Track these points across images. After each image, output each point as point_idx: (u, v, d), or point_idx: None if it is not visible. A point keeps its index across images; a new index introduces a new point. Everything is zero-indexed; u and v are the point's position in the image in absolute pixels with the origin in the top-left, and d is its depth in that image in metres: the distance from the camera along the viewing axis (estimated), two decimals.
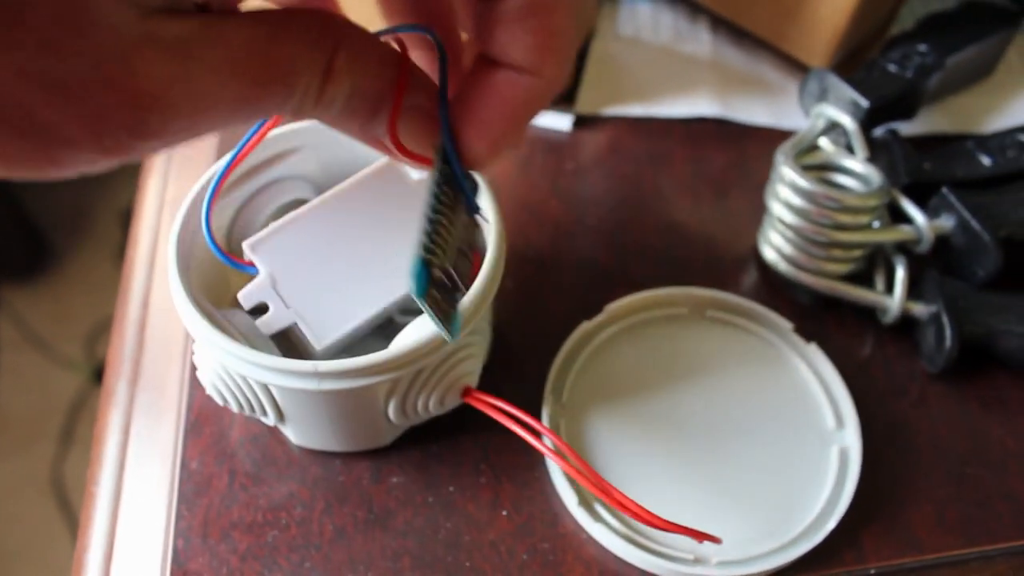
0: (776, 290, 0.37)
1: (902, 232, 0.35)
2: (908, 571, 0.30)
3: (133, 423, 0.33)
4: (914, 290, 0.35)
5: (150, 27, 0.17)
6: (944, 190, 0.36)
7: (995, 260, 0.34)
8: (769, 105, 0.44)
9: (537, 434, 0.27)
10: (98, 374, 1.13)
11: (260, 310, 0.28)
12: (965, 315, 0.33)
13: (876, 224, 0.36)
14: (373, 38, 0.21)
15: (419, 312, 0.28)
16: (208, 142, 0.41)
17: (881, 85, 0.38)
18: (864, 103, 0.37)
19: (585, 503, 0.30)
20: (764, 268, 0.38)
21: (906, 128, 0.42)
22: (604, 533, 0.29)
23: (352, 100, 0.21)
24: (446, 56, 0.23)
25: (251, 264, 0.28)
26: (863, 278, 0.36)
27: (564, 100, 0.43)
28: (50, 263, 1.25)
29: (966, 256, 0.35)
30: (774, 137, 0.41)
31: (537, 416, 0.28)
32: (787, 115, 0.43)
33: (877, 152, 0.38)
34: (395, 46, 0.23)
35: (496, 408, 0.28)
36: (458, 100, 0.23)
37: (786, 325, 0.35)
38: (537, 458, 0.31)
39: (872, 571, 0.30)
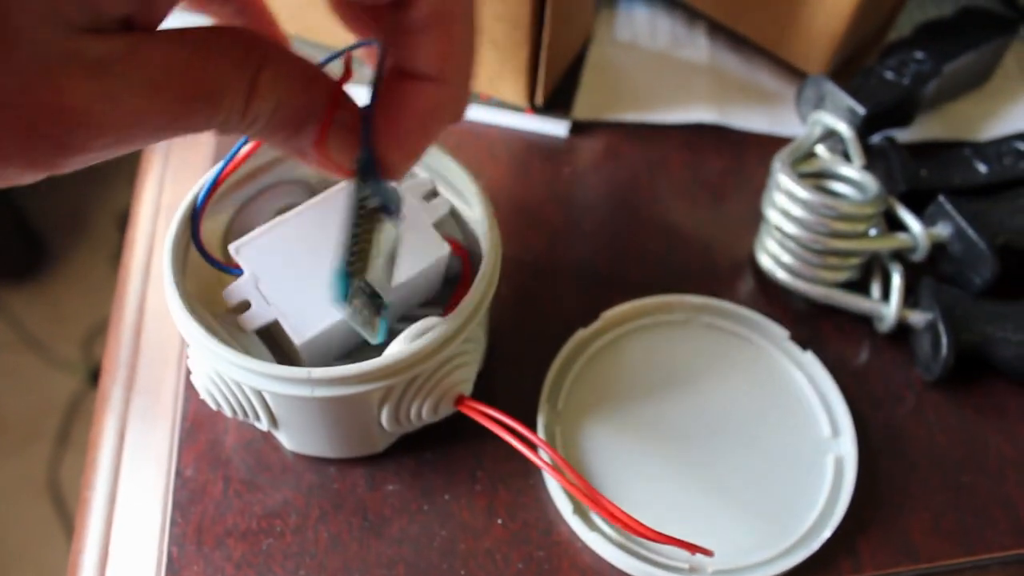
0: (772, 297, 0.37)
1: (898, 240, 0.35)
2: None
3: (128, 428, 0.33)
4: (910, 298, 0.35)
5: (74, 45, 0.17)
6: (940, 198, 0.36)
7: (991, 268, 0.34)
8: (766, 112, 0.44)
9: (529, 443, 0.27)
10: (94, 376, 1.13)
11: (245, 308, 0.28)
12: (961, 323, 0.33)
13: (872, 232, 0.36)
14: (295, 57, 0.22)
15: (413, 319, 0.28)
16: (205, 147, 0.41)
17: (878, 92, 0.38)
18: (861, 110, 0.37)
19: (580, 511, 0.30)
20: (760, 275, 0.38)
21: (903, 135, 0.42)
22: (599, 542, 0.29)
23: (276, 116, 0.22)
24: (381, 73, 0.24)
25: (240, 268, 0.29)
26: (859, 286, 0.36)
27: (561, 106, 0.43)
28: (47, 264, 1.25)
29: (962, 264, 0.35)
30: (771, 144, 0.41)
31: (532, 423, 0.28)
32: (784, 122, 0.43)
33: (874, 159, 0.38)
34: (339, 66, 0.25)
35: (489, 417, 0.28)
36: (375, 111, 0.24)
37: (782, 333, 0.35)
38: (532, 466, 0.31)
39: None
